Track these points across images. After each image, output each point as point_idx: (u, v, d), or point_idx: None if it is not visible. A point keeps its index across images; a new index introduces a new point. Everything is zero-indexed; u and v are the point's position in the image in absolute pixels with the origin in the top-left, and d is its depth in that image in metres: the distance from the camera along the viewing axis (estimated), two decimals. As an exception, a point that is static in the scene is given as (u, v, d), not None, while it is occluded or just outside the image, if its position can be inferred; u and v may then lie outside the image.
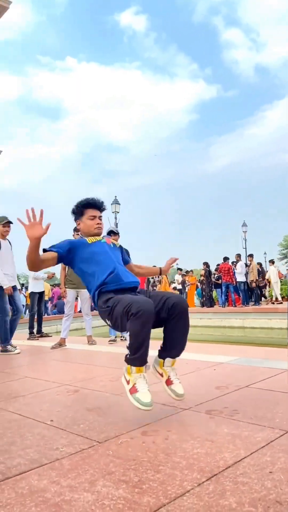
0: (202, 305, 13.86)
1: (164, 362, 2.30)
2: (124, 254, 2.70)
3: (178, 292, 15.08)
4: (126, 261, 2.68)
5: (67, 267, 5.50)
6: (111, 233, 5.56)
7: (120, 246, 2.73)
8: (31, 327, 6.95)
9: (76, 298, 5.94)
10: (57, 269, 7.50)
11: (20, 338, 6.68)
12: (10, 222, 5.19)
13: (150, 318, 2.01)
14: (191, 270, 15.79)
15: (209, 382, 2.92)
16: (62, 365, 4.46)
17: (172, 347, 2.29)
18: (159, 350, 2.34)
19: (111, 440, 1.88)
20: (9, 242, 5.38)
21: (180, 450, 1.72)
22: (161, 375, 2.32)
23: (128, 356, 2.11)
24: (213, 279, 13.58)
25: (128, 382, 2.13)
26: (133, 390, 2.07)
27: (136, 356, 2.07)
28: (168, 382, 2.28)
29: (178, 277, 15.04)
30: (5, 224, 5.18)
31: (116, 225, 20.68)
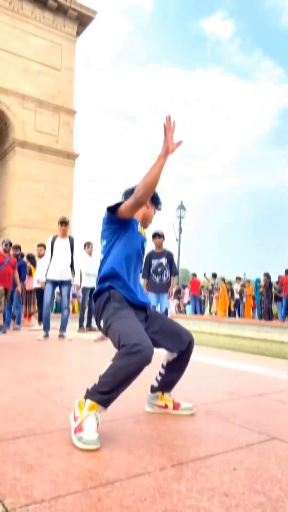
0: (260, 317, 13.48)
1: (163, 393, 2.23)
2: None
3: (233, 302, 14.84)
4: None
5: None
6: (156, 235, 5.67)
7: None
8: (81, 320, 7.30)
9: None
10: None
11: (70, 329, 7.04)
12: (66, 223, 5.58)
13: (146, 364, 1.74)
14: (248, 281, 15.43)
15: (224, 388, 2.94)
16: (95, 356, 4.67)
17: (173, 384, 2.22)
18: (155, 386, 2.23)
19: (104, 422, 2.01)
20: (70, 240, 5.77)
21: (161, 439, 1.81)
22: (165, 406, 2.22)
23: (95, 390, 1.78)
24: (274, 292, 13.16)
25: (75, 419, 1.78)
26: (78, 429, 1.72)
27: (108, 397, 1.76)
28: (176, 406, 2.22)
29: (237, 287, 14.76)
30: (62, 223, 5.57)
31: (180, 230, 20.79)
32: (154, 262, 5.65)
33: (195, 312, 16.49)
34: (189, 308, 17.45)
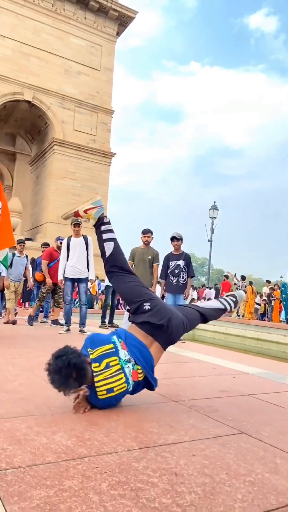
0: (287, 321, 13.36)
1: None
2: None
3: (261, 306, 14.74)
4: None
5: (134, 265, 5.97)
6: (174, 238, 5.86)
7: None
8: (103, 317, 7.61)
9: None
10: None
11: (92, 325, 7.35)
12: (79, 224, 5.93)
13: None
14: (276, 284, 15.30)
15: (218, 387, 3.11)
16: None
17: None
18: None
19: (92, 411, 2.25)
20: (84, 239, 6.09)
21: (137, 426, 2.02)
22: None
23: None
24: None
25: None
26: None
27: None
28: None
29: (266, 290, 14.66)
30: (75, 225, 5.92)
31: (212, 230, 20.78)
32: (172, 264, 5.85)
33: (223, 314, 16.51)
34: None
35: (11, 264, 7.31)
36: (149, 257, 5.92)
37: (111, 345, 2.28)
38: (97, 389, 2.16)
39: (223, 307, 2.83)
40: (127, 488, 1.37)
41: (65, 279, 6.14)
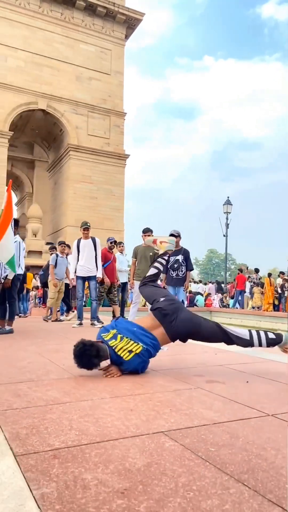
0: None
1: None
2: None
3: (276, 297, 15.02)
4: None
5: (136, 261, 6.49)
6: (172, 236, 6.34)
7: None
8: (113, 311, 8.18)
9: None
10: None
11: (104, 320, 7.92)
12: (88, 228, 6.54)
13: None
14: (289, 275, 15.53)
15: (196, 360, 3.61)
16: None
17: None
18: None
19: (83, 375, 2.79)
20: (92, 241, 6.67)
21: (115, 386, 2.55)
22: None
23: None
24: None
25: None
26: None
27: None
28: None
29: (279, 281, 14.94)
30: (85, 228, 6.50)
31: (227, 225, 21.07)
32: (172, 259, 6.34)
33: (239, 306, 16.87)
34: (231, 303, 17.84)
35: (55, 264, 7.97)
36: (150, 253, 6.42)
37: (115, 330, 2.92)
38: (122, 354, 2.78)
39: (247, 339, 2.97)
40: (91, 417, 1.90)
41: (77, 277, 6.73)
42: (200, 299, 17.99)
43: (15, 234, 5.62)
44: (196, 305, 17.11)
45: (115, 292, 7.63)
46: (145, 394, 2.34)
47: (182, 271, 6.30)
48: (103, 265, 7.58)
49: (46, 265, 8.33)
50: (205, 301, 18.44)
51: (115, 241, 7.77)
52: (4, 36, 23.16)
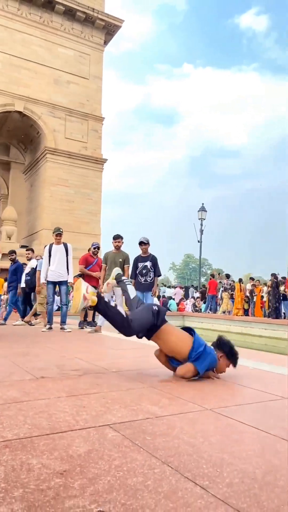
0: (268, 316, 14.06)
1: None
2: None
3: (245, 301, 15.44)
4: None
5: (107, 267, 6.67)
6: (142, 243, 6.57)
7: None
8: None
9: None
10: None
11: (73, 323, 8.07)
12: (60, 234, 6.72)
13: None
14: (258, 280, 16.05)
15: (156, 363, 3.81)
16: (77, 342, 5.63)
17: None
18: None
19: (45, 377, 2.96)
20: (64, 246, 6.83)
21: (73, 386, 2.73)
22: None
23: None
24: (281, 291, 13.71)
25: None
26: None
27: None
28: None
29: (248, 286, 15.39)
30: (57, 234, 6.67)
31: (202, 232, 21.48)
32: (140, 265, 6.57)
33: (210, 311, 17.23)
34: (203, 307, 18.20)
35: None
36: (120, 259, 6.63)
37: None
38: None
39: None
40: (46, 413, 2.08)
41: (48, 282, 6.86)
42: (172, 304, 18.28)
43: None
44: (169, 309, 17.38)
45: None
46: (100, 393, 2.53)
47: (150, 277, 6.53)
48: (86, 267, 7.72)
49: (32, 270, 8.36)
50: (177, 305, 18.75)
51: (98, 247, 7.90)
52: (-19, 38, 23.01)
